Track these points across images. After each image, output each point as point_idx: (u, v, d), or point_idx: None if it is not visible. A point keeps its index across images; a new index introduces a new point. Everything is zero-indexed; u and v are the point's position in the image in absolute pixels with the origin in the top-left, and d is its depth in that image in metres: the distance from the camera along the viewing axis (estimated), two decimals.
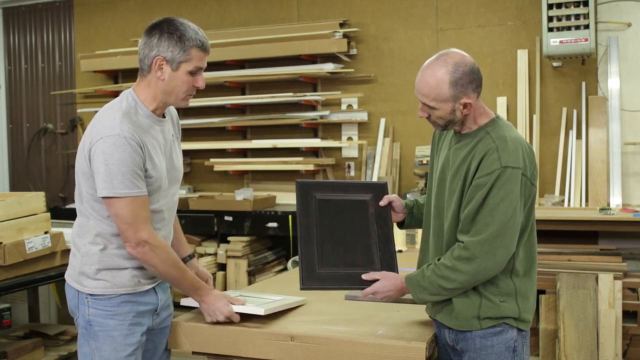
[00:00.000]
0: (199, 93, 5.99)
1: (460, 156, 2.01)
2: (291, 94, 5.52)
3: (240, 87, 5.86)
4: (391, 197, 2.28)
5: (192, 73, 2.11)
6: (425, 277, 1.99)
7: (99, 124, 2.07)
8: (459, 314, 2.00)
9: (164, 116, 2.22)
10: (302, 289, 2.07)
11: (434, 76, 1.97)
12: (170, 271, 2.12)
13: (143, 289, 2.18)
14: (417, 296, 2.03)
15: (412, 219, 2.33)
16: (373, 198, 2.24)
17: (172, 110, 2.33)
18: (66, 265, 2.25)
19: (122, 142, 2.01)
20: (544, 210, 4.48)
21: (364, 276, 2.09)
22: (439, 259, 1.99)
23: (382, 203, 2.25)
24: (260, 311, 2.15)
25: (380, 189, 2.28)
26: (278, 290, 2.65)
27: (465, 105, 1.98)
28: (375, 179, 5.32)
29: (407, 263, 2.78)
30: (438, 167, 2.11)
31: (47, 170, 6.73)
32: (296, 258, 4.90)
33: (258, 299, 2.41)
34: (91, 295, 2.13)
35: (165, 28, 2.08)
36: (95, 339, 2.13)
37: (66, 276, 2.22)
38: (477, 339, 1.99)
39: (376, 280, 2.08)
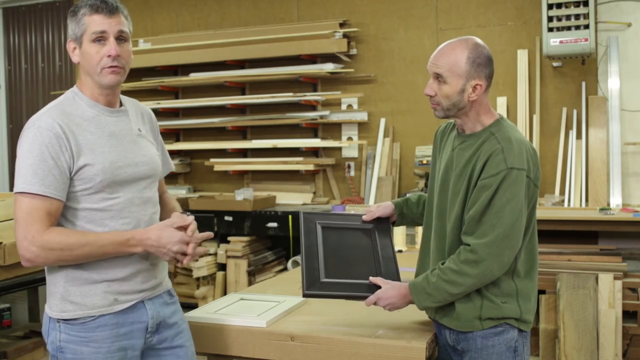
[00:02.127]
0: (199, 93, 6.07)
1: (464, 157, 2.01)
2: (291, 94, 5.52)
3: (240, 87, 5.86)
4: (383, 211, 2.31)
5: (97, 41, 1.88)
6: (431, 283, 1.97)
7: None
8: (460, 315, 1.99)
9: (121, 105, 2.01)
10: (304, 296, 2.06)
11: (454, 50, 1.98)
12: (80, 249, 1.80)
13: (122, 307, 1.89)
14: (421, 304, 2.01)
15: (402, 219, 2.36)
16: (375, 228, 2.27)
17: (142, 108, 2.14)
18: None
19: (35, 133, 1.82)
20: (544, 210, 4.48)
21: (371, 278, 2.09)
22: (443, 263, 1.98)
23: (367, 218, 2.28)
24: (262, 323, 2.16)
25: (382, 221, 2.31)
26: (278, 290, 2.65)
27: (474, 89, 1.97)
28: (375, 179, 5.34)
29: (407, 263, 2.78)
30: (441, 168, 2.10)
31: None
32: (296, 258, 4.90)
33: (259, 303, 2.42)
34: (64, 320, 1.86)
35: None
36: None
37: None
38: (479, 339, 1.99)
39: (380, 286, 2.08)
